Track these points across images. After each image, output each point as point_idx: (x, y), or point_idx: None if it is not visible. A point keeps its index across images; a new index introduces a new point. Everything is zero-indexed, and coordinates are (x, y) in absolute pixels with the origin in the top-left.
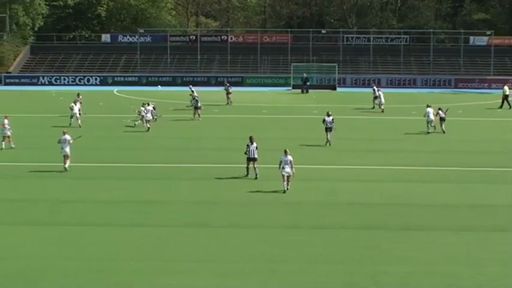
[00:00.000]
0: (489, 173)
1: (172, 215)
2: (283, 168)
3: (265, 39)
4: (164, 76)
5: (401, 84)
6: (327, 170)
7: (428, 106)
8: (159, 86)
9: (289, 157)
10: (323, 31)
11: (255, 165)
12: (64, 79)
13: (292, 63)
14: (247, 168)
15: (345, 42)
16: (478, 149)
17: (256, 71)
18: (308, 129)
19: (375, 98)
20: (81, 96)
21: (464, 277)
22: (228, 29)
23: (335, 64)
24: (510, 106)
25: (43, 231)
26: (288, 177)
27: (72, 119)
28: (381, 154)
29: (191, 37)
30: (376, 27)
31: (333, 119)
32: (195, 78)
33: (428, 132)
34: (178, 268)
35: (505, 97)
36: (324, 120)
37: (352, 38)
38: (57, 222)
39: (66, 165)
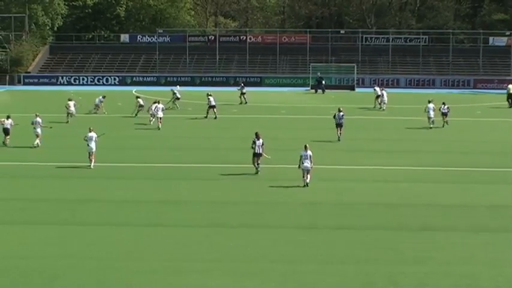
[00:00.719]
0: (508, 173)
1: (189, 215)
2: (302, 162)
3: (284, 39)
4: (183, 76)
5: (420, 84)
6: (343, 171)
7: (429, 102)
8: (177, 86)
9: (309, 152)
10: (342, 31)
11: (259, 161)
12: (83, 79)
13: (311, 64)
14: (254, 164)
15: (363, 43)
16: (496, 149)
17: (274, 71)
18: (325, 129)
19: (377, 97)
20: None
21: (483, 278)
22: (247, 29)
23: (354, 64)
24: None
25: (62, 230)
26: (307, 171)
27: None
28: (397, 154)
29: (210, 37)
30: (395, 27)
31: (343, 115)
32: (214, 78)
33: (431, 127)
34: (194, 268)
35: (510, 96)
36: (334, 116)
37: (370, 38)
38: (76, 221)
39: (92, 164)
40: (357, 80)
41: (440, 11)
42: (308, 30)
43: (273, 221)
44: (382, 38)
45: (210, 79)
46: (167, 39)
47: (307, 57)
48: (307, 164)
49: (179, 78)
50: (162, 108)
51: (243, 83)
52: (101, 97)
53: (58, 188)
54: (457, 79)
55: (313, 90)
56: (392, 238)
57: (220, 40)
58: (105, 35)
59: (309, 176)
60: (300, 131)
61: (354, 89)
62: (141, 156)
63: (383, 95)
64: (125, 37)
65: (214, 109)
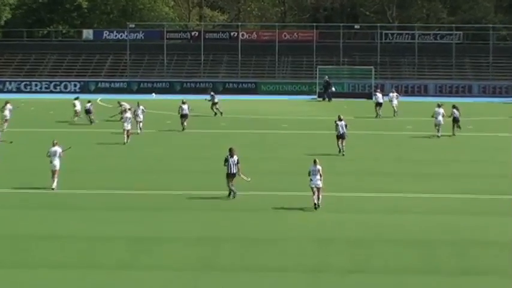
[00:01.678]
0: None
1: (171, 255)
2: (311, 179)
3: (285, 36)
4: (160, 81)
5: (453, 91)
6: (358, 199)
7: (438, 106)
8: (153, 94)
9: (318, 166)
10: (356, 26)
11: (233, 182)
12: (36, 85)
13: (318, 66)
14: (228, 185)
15: (383, 40)
16: None
17: (273, 76)
18: (335, 147)
19: (378, 105)
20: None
21: None
22: (239, 23)
23: (371, 67)
24: None
25: (9, 275)
26: (318, 189)
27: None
28: (424, 178)
29: (193, 33)
30: (421, 21)
31: (346, 125)
32: (198, 84)
33: (438, 136)
34: None
35: None
36: (336, 126)
37: (392, 34)
38: (29, 263)
39: (55, 184)
40: (375, 86)
41: (478, 1)
42: (315, 24)
43: (276, 262)
44: (406, 34)
45: (193, 85)
46: (140, 35)
47: (313, 58)
48: (317, 181)
49: (155, 84)
50: (143, 109)
51: (212, 90)
52: (88, 104)
53: (6, 220)
54: (499, 85)
55: (321, 98)
56: (422, 284)
57: (206, 37)
58: (64, 31)
59: (320, 195)
60: (305, 149)
61: (371, 98)
62: (110, 180)
63: (393, 99)
64: (88, 33)
65: (185, 119)
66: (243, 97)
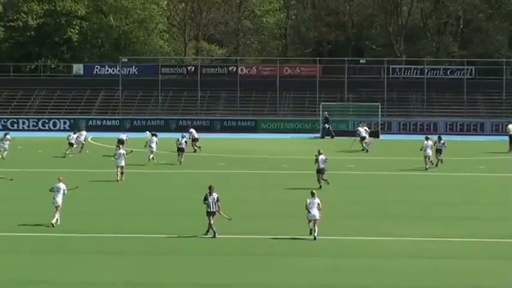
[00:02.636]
0: None
1: None
2: (309, 212)
3: (286, 71)
4: (154, 119)
5: (464, 130)
6: (365, 243)
7: (427, 139)
8: (147, 132)
9: (317, 199)
10: (362, 60)
11: (214, 221)
12: (23, 123)
13: (322, 103)
14: (209, 223)
15: (390, 75)
16: None
17: (274, 113)
18: (341, 189)
19: (363, 139)
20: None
21: None
22: (238, 57)
23: (378, 104)
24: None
25: None
26: (314, 221)
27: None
28: (435, 222)
29: (189, 68)
30: (431, 55)
31: (326, 159)
32: (195, 121)
33: (426, 169)
34: None
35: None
36: (316, 160)
37: (400, 69)
38: None
39: (54, 220)
40: (382, 124)
41: (490, 34)
42: (318, 59)
43: None
44: (415, 69)
45: (189, 123)
46: (133, 70)
47: (316, 94)
48: (315, 212)
49: (149, 122)
50: (156, 141)
51: (193, 127)
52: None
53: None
54: None
55: (323, 137)
56: None
57: (203, 72)
58: (53, 65)
59: (316, 228)
60: (306, 191)
61: (378, 136)
62: (104, 222)
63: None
64: (78, 68)
65: (182, 153)
66: (242, 135)
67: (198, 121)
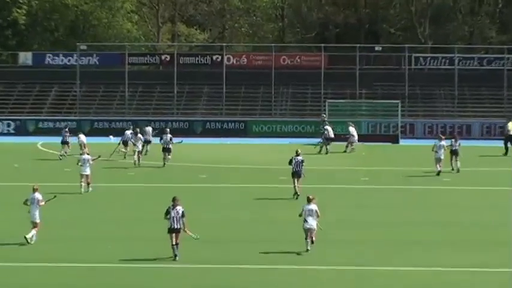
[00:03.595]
0: None
1: None
2: (305, 220)
3: (284, 60)
4: (120, 120)
5: (505, 132)
6: (389, 274)
7: (440, 138)
8: (111, 137)
9: (314, 206)
10: (377, 48)
11: (178, 240)
12: None
13: (327, 100)
14: (172, 243)
15: (413, 66)
16: None
17: (268, 113)
18: (355, 208)
19: (329, 140)
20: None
21: None
22: (224, 44)
23: (397, 102)
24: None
25: None
26: (311, 232)
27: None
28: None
29: (164, 57)
30: (463, 41)
31: (302, 160)
32: (171, 123)
33: (438, 174)
34: None
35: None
36: (290, 161)
37: (424, 59)
38: None
39: (29, 235)
40: (402, 127)
41: None
42: (323, 45)
43: None
44: (443, 58)
45: (163, 124)
46: (94, 60)
47: (321, 89)
48: (312, 221)
49: (113, 124)
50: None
51: (167, 129)
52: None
53: None
54: None
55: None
56: None
57: (181, 62)
58: None
59: (313, 237)
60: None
61: (397, 141)
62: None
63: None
64: (25, 57)
65: (169, 153)
66: (229, 141)
67: (174, 123)
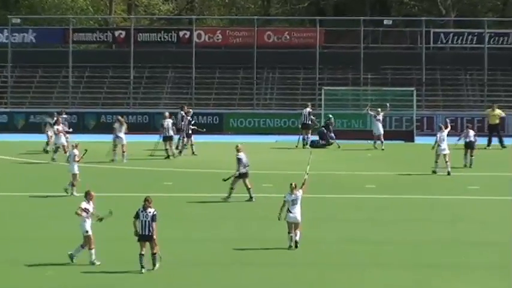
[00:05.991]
0: None
1: None
2: (289, 211)
3: (269, 37)
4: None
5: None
6: None
7: (440, 128)
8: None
9: (298, 193)
10: (387, 21)
11: (153, 250)
12: None
13: (323, 87)
14: (140, 254)
15: (431, 44)
16: None
17: (249, 103)
18: (362, 222)
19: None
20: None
21: None
22: (194, 16)
23: (411, 89)
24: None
25: None
26: (296, 225)
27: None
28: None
29: (118, 34)
30: (494, 12)
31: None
32: (126, 117)
33: (448, 173)
34: None
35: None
36: (239, 161)
37: (446, 35)
38: None
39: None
40: (418, 121)
41: None
42: (318, 19)
43: None
44: (470, 35)
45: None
46: (30, 37)
47: (316, 73)
48: (295, 213)
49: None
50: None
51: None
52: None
53: None
54: None
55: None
56: None
57: (139, 39)
58: None
59: (298, 231)
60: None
61: (412, 139)
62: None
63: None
64: None
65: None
66: (200, 138)
67: (130, 116)
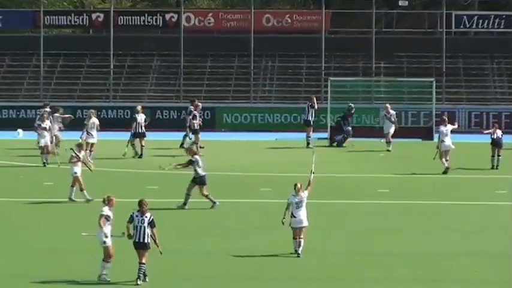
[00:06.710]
0: None
1: None
2: (293, 215)
3: (268, 21)
4: (32, 107)
5: None
6: None
7: (443, 121)
8: (18, 131)
9: (304, 194)
10: (402, 2)
11: (143, 259)
12: None
13: (330, 78)
14: (140, 262)
15: (453, 29)
16: None
17: (245, 96)
18: (374, 231)
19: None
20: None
21: None
22: None
23: (431, 79)
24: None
25: None
26: (301, 230)
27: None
28: None
29: (96, 17)
30: None
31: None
32: (105, 112)
33: (446, 171)
34: None
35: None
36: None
37: (470, 18)
38: None
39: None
40: (438, 116)
41: None
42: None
43: None
44: (496, 18)
45: (93, 113)
46: None
47: (321, 62)
48: (302, 216)
49: (23, 113)
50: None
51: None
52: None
53: None
54: None
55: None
56: None
57: (120, 23)
58: None
59: (302, 239)
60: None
61: (431, 137)
62: None
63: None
64: None
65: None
66: (189, 136)
67: (110, 111)
